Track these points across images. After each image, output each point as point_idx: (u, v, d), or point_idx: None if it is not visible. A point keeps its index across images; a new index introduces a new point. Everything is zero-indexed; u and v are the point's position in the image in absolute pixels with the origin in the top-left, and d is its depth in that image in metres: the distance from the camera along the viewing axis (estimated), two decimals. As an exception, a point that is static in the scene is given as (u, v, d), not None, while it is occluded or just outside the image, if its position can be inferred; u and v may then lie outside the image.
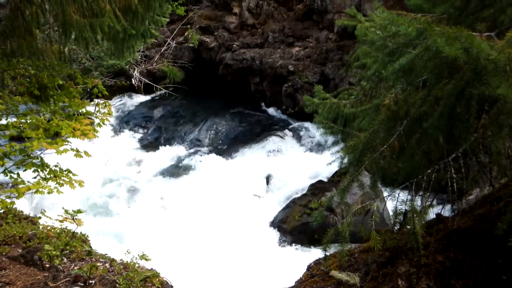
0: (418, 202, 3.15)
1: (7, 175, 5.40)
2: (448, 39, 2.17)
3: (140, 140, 14.36)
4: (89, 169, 9.76)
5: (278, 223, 9.89)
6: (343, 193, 3.23)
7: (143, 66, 16.74)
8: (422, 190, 3.07)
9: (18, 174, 5.42)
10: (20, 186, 5.27)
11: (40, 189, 5.26)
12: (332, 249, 3.48)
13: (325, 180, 10.74)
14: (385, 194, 3.65)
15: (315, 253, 7.84)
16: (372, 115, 3.47)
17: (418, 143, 2.96)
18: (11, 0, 4.11)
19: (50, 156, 5.74)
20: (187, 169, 12.32)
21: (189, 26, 17.19)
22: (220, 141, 14.03)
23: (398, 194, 3.30)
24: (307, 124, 13.94)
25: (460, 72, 2.44)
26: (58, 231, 6.16)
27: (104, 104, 6.15)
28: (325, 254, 3.42)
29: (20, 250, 5.32)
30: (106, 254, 5.78)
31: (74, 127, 5.59)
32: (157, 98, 16.61)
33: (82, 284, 4.49)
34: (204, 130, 14.36)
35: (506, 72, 2.13)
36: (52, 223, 6.11)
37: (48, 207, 7.67)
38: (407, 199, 3.18)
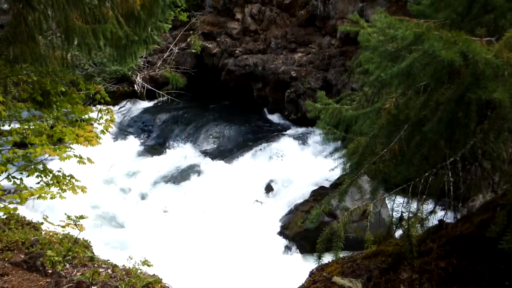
0: (414, 205, 3.13)
1: (10, 181, 5.41)
2: (445, 43, 2.16)
3: (143, 146, 14.39)
4: (92, 174, 9.77)
5: (280, 229, 9.87)
6: (342, 196, 3.21)
7: (145, 72, 16.80)
8: (419, 193, 3.05)
9: (21, 179, 5.42)
10: (23, 191, 5.28)
11: (43, 195, 5.28)
12: (334, 256, 3.44)
13: (328, 186, 10.72)
14: (387, 199, 3.63)
15: (318, 259, 7.80)
16: (373, 119, 3.47)
17: (418, 147, 2.95)
18: (14, 6, 4.13)
19: (53, 162, 5.75)
20: (189, 174, 12.32)
21: (191, 32, 17.26)
22: (223, 147, 14.04)
23: (395, 197, 3.29)
24: (309, 130, 13.96)
25: (460, 77, 2.44)
26: (60, 237, 6.16)
27: (106, 111, 6.16)
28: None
29: (22, 256, 5.31)
30: (108, 260, 5.77)
31: (78, 134, 5.61)
32: (159, 104, 16.65)
33: (84, 290, 4.47)
34: (207, 136, 14.37)
35: (504, 76, 2.13)
36: (55, 228, 6.12)
37: (50, 213, 7.67)
38: (403, 202, 3.16)
